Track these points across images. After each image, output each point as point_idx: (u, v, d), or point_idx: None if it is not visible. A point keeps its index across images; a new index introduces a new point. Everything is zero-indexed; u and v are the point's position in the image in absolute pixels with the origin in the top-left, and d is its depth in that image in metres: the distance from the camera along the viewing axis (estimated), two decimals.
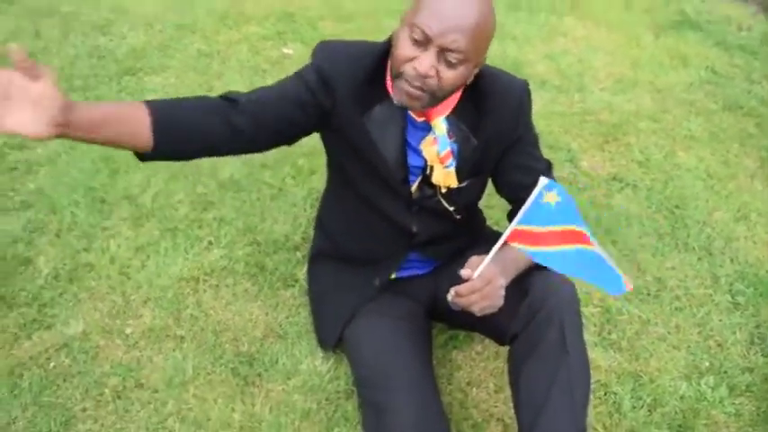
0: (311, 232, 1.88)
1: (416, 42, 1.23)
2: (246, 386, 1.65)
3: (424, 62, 1.23)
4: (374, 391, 1.44)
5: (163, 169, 2.17)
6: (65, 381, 1.64)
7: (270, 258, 1.94)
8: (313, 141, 1.52)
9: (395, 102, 1.33)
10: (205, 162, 2.18)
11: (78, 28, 2.76)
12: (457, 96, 1.39)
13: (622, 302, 1.93)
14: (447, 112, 1.39)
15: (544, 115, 2.53)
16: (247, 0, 3.00)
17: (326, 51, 1.39)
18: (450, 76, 1.25)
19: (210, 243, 1.97)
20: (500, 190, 1.55)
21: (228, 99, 1.32)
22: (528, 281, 1.41)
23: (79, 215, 2.01)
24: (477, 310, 1.29)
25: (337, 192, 1.65)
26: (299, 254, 1.95)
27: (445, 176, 1.43)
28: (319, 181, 2.02)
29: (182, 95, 2.28)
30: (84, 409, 1.59)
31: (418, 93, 1.27)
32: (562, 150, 2.39)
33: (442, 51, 1.22)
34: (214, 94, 1.36)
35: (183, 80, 2.55)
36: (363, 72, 1.37)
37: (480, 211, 1.73)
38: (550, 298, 1.37)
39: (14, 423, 1.55)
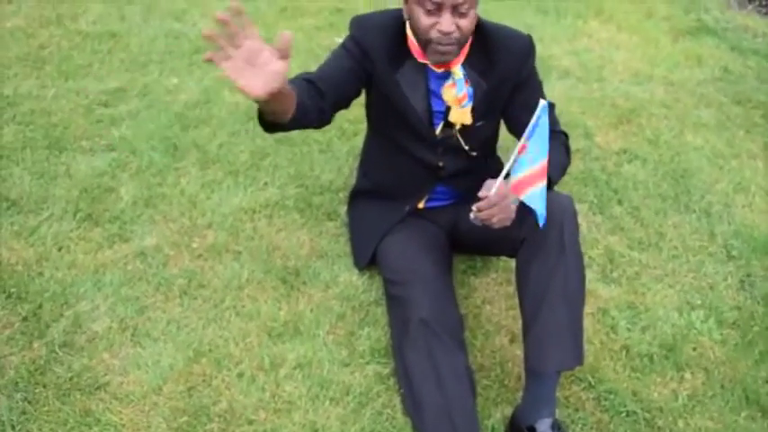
0: (351, 179, 2.19)
1: (430, 12, 1.55)
2: (292, 291, 1.94)
3: (446, 23, 1.54)
4: (398, 287, 1.73)
5: (226, 126, 2.51)
6: (140, 280, 1.94)
7: (316, 197, 2.24)
8: (355, 109, 1.83)
9: (431, 62, 1.66)
10: None
11: (157, 15, 3.17)
12: (468, 44, 1.69)
13: (624, 248, 2.17)
14: (462, 60, 1.69)
15: (564, 99, 2.81)
16: None
17: (359, 24, 1.73)
18: (466, 23, 1.57)
19: (266, 184, 2.28)
20: (510, 128, 1.84)
21: (316, 87, 1.57)
22: None
23: (155, 157, 2.34)
24: (496, 221, 1.54)
25: (377, 140, 1.96)
26: (341, 195, 2.24)
27: (461, 115, 1.73)
28: (360, 141, 2.31)
29: None
30: (154, 302, 1.88)
31: (449, 48, 1.59)
32: (579, 128, 2.66)
33: (455, 8, 1.53)
34: None
35: None
36: (390, 37, 1.69)
37: (497, 156, 2.01)
38: (552, 205, 1.63)
39: (97, 309, 1.85)
